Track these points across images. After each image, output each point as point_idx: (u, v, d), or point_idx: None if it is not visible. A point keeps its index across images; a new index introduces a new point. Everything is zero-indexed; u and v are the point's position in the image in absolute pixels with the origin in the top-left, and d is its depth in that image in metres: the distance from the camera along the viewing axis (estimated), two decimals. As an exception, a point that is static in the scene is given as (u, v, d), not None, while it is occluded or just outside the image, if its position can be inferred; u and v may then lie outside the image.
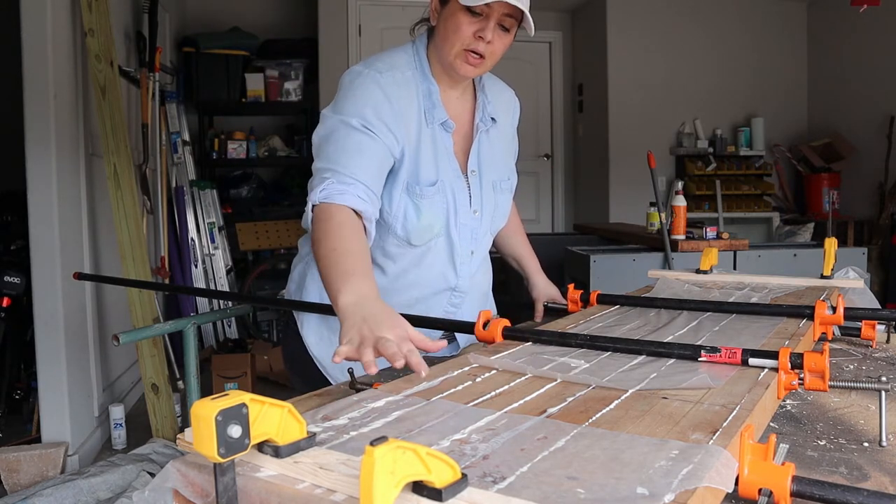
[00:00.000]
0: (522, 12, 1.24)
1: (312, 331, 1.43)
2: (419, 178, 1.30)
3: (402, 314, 1.32)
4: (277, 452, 0.58)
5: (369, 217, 1.24)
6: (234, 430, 0.52)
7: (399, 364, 0.90)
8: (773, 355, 0.88)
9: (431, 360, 1.19)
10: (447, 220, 1.35)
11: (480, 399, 0.79)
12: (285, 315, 1.51)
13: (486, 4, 1.22)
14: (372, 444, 0.46)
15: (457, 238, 1.37)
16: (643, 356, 0.96)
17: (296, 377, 1.53)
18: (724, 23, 5.98)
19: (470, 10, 1.23)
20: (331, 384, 1.38)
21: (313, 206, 1.20)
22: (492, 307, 1.56)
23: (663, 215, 3.24)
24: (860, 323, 1.22)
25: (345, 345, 0.97)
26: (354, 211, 1.20)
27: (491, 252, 1.55)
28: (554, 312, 1.52)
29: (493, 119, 1.43)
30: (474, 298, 1.48)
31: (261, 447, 0.58)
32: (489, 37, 1.25)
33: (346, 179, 1.21)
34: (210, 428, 0.51)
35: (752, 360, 0.90)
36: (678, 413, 0.73)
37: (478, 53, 1.27)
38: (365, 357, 0.94)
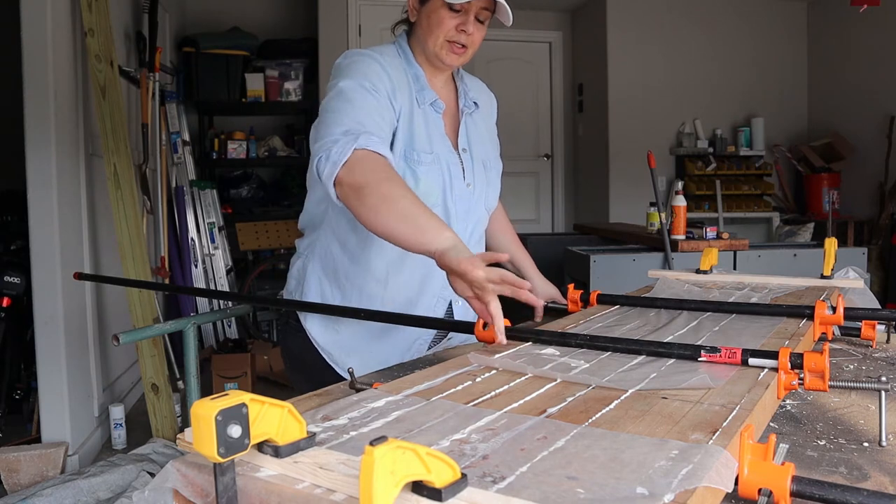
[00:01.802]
0: (496, 4, 1.34)
1: (316, 322, 1.45)
2: (415, 146, 1.37)
3: (400, 314, 1.34)
4: (277, 452, 0.58)
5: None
6: (234, 430, 0.52)
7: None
8: (773, 355, 0.88)
9: (432, 360, 1.19)
10: (444, 191, 1.40)
11: (480, 399, 0.79)
12: (284, 314, 1.52)
13: (468, 2, 1.32)
14: (372, 444, 0.45)
15: (453, 209, 1.42)
16: (643, 356, 0.96)
17: (295, 373, 1.53)
18: (724, 23, 5.98)
19: (450, 7, 1.34)
20: (330, 378, 1.38)
21: (355, 149, 1.20)
22: None
23: (663, 215, 3.24)
24: (860, 323, 1.22)
25: (488, 276, 1.09)
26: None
27: None
28: (554, 312, 1.52)
29: (475, 103, 1.52)
30: None
31: (261, 447, 0.58)
32: (470, 30, 1.37)
33: (373, 136, 1.25)
34: (210, 428, 0.50)
35: (752, 360, 0.90)
36: (678, 413, 0.73)
37: (461, 44, 1.38)
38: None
